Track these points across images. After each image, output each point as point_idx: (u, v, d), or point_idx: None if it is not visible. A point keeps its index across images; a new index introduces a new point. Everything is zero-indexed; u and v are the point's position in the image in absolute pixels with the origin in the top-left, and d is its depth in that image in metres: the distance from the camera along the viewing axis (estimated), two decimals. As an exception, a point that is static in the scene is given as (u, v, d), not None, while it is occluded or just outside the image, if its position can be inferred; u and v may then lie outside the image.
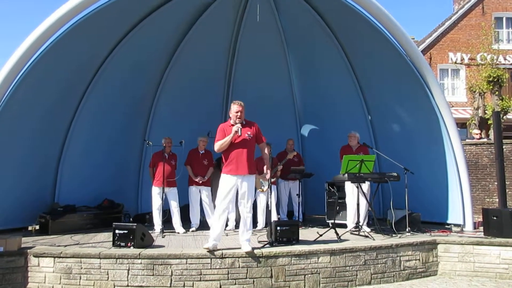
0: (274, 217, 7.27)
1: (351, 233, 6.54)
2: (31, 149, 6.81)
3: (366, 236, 6.16)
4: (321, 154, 9.05)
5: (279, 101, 9.40)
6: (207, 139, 7.47)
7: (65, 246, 5.46)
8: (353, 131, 7.40)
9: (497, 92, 15.30)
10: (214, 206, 5.57)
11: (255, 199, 7.52)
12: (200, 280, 4.96)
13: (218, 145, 5.28)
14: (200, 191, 7.30)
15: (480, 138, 13.36)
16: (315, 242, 5.80)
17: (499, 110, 14.29)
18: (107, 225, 6.88)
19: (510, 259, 5.78)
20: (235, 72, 9.20)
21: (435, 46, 19.29)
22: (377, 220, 6.77)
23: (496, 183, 7.55)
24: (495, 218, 6.17)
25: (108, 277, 4.94)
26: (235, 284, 5.01)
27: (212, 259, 5.01)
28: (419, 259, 5.84)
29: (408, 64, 7.10)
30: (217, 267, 5.01)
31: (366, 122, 8.66)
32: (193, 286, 4.95)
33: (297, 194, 8.02)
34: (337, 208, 7.30)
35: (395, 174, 6.58)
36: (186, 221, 7.36)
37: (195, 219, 7.38)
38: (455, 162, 6.98)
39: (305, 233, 6.50)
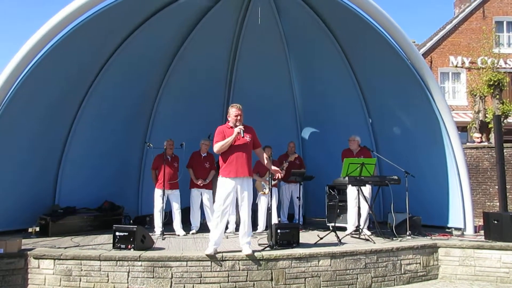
0: (274, 219, 7.28)
1: (352, 236, 6.53)
2: (32, 150, 6.81)
3: (367, 240, 6.15)
4: (322, 157, 9.04)
5: (279, 104, 9.40)
6: (210, 142, 7.48)
7: (65, 248, 5.46)
8: (353, 135, 7.41)
9: (497, 96, 15.30)
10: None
11: (256, 201, 7.54)
12: (200, 283, 4.95)
13: (218, 146, 5.25)
14: (201, 194, 7.30)
15: (481, 141, 13.34)
16: (315, 245, 5.79)
17: (500, 114, 14.28)
18: (108, 227, 6.88)
19: (511, 263, 5.76)
20: (236, 75, 9.21)
21: (436, 50, 19.32)
22: (378, 224, 6.75)
23: (496, 186, 7.54)
24: (495, 222, 6.16)
25: (108, 279, 4.93)
26: (235, 287, 4.99)
27: (213, 262, 5.00)
28: (419, 263, 5.83)
29: (409, 67, 7.10)
30: (217, 270, 5.00)
31: (367, 125, 8.65)
32: (193, 288, 4.93)
33: (297, 197, 8.02)
34: (338, 211, 7.29)
35: (395, 177, 6.58)
36: (186, 224, 7.36)
37: (195, 221, 7.38)
38: (455, 165, 6.98)
39: (305, 236, 6.49)
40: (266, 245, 5.57)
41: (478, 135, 13.91)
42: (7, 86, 5.86)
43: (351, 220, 7.01)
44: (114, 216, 7.75)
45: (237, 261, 5.06)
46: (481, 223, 6.91)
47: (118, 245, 5.32)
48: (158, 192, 6.98)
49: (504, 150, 7.53)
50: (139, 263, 4.95)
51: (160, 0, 7.21)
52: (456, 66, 19.04)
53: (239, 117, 5.37)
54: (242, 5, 8.14)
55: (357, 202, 6.63)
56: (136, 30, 7.40)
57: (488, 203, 10.89)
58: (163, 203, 6.87)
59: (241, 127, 5.30)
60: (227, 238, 6.52)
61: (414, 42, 20.84)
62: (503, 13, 19.65)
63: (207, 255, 5.00)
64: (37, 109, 6.65)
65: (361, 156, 6.99)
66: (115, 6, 6.42)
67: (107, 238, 6.31)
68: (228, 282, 4.99)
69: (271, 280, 5.08)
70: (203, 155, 7.44)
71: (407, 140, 7.87)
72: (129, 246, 5.26)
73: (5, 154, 6.34)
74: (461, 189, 6.96)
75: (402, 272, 5.67)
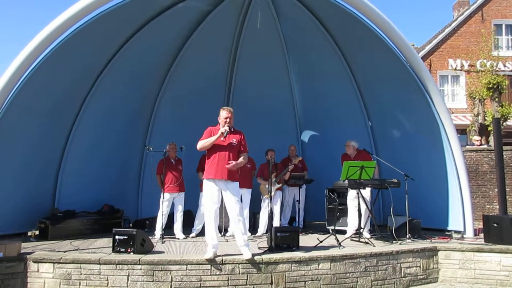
0: (276, 223, 7.29)
1: (352, 240, 6.53)
2: (32, 153, 6.81)
3: (367, 243, 6.15)
4: (322, 160, 9.05)
5: (279, 107, 9.41)
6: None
7: (65, 251, 5.45)
8: (349, 140, 7.40)
9: (497, 99, 15.32)
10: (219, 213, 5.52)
11: (261, 205, 7.55)
12: (200, 287, 4.95)
13: (201, 144, 5.29)
14: None
15: (480, 144, 13.36)
16: (315, 248, 5.78)
17: (499, 116, 14.30)
18: (107, 230, 6.87)
19: (511, 266, 5.76)
20: (236, 78, 9.22)
21: (435, 53, 19.37)
22: (378, 227, 6.75)
23: (496, 189, 7.54)
24: (495, 224, 6.16)
25: (107, 283, 4.92)
26: (235, 290, 4.98)
27: (212, 266, 5.00)
28: (419, 266, 5.82)
29: (408, 70, 7.12)
30: (217, 273, 4.99)
31: (366, 128, 8.67)
32: (193, 292, 4.93)
33: (297, 200, 8.02)
34: (338, 215, 7.29)
35: (395, 180, 6.58)
36: (186, 227, 7.36)
37: (198, 224, 7.36)
38: (455, 168, 6.99)
39: (305, 239, 6.48)
40: (266, 249, 5.56)
41: (478, 138, 13.93)
42: (7, 90, 5.87)
43: (351, 223, 7.01)
44: (113, 220, 7.73)
45: (237, 265, 5.05)
46: (481, 226, 6.92)
47: (118, 248, 5.31)
48: (165, 196, 6.96)
49: (504, 153, 7.54)
50: (139, 266, 4.94)
51: (160, 3, 7.22)
52: (455, 69, 19.08)
53: (228, 120, 5.40)
54: (241, 9, 8.16)
55: (357, 205, 6.63)
56: (135, 34, 7.41)
57: (488, 206, 10.90)
58: (168, 207, 6.90)
59: (227, 128, 5.31)
60: (227, 241, 6.51)
61: (413, 45, 20.91)
62: (502, 16, 19.73)
63: (206, 259, 5.00)
64: (37, 113, 6.65)
65: (358, 160, 6.99)
66: (115, 9, 6.44)
67: (106, 241, 6.29)
68: (228, 285, 4.98)
69: (271, 283, 5.07)
70: None
71: (407, 143, 7.88)
72: (128, 250, 5.26)
73: (5, 158, 6.34)
74: (460, 192, 6.96)
75: (402, 276, 5.67)
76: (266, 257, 5.17)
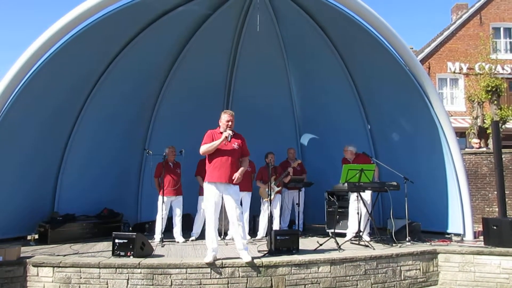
0: (276, 226, 7.29)
1: (351, 243, 6.53)
2: (31, 157, 6.81)
3: (366, 246, 6.15)
4: (321, 163, 9.06)
5: (278, 110, 9.43)
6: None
7: (64, 255, 5.45)
8: (346, 145, 7.42)
9: (495, 102, 15.34)
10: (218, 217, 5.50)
11: (261, 208, 7.55)
12: (200, 290, 4.94)
13: (204, 148, 5.27)
14: None
15: (480, 147, 13.36)
16: (315, 251, 5.79)
17: (498, 119, 14.32)
18: (107, 234, 6.88)
19: (511, 268, 5.75)
20: (235, 81, 9.24)
21: (434, 56, 19.41)
22: (377, 230, 6.75)
23: (495, 192, 7.55)
24: (495, 227, 6.16)
25: (107, 287, 4.91)
26: (235, 294, 4.98)
27: (212, 269, 5.00)
28: (419, 269, 5.82)
29: (407, 74, 7.14)
30: (217, 277, 4.99)
31: (366, 131, 8.68)
32: (192, 296, 4.92)
33: (297, 203, 8.02)
34: (337, 218, 7.29)
35: (394, 183, 6.59)
36: (186, 230, 7.35)
37: (198, 227, 7.36)
38: (454, 171, 7.00)
39: (305, 243, 6.49)
40: (265, 252, 5.56)
41: (477, 140, 13.93)
42: (6, 94, 5.88)
43: (351, 226, 7.01)
44: (113, 223, 7.73)
45: (237, 268, 5.05)
46: (480, 228, 6.92)
47: (118, 252, 5.31)
48: (162, 199, 6.96)
49: (503, 156, 7.55)
50: (139, 270, 4.94)
51: (159, 8, 7.24)
52: (454, 72, 19.12)
53: (229, 123, 5.41)
54: (240, 13, 8.19)
55: (357, 208, 6.64)
56: (135, 38, 7.43)
57: (487, 209, 10.89)
58: (166, 210, 6.87)
59: (230, 132, 5.32)
60: (227, 245, 6.51)
61: (412, 48, 20.94)
62: (500, 19, 19.79)
63: (206, 263, 4.99)
64: (37, 117, 6.65)
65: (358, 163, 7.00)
66: (115, 14, 6.46)
67: (106, 245, 6.29)
68: (227, 289, 4.97)
69: (271, 286, 5.07)
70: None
71: (406, 146, 7.89)
72: (128, 253, 5.25)
73: (5, 162, 6.34)
74: (460, 194, 6.97)
75: (402, 279, 5.67)
76: (266, 260, 5.17)
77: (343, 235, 7.06)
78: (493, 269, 5.80)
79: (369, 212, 6.80)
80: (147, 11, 7.16)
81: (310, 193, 8.78)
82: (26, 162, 6.74)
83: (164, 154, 7.09)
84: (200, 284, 4.95)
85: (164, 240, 6.64)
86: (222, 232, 7.01)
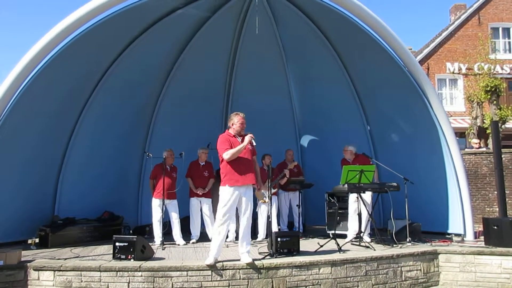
0: (274, 228, 7.27)
1: (352, 244, 6.53)
2: (31, 161, 6.82)
3: (367, 247, 6.15)
4: (321, 165, 9.06)
5: (278, 112, 9.44)
6: (208, 150, 7.52)
7: (65, 259, 5.44)
8: (346, 145, 7.43)
9: (495, 102, 15.37)
10: (215, 218, 5.49)
11: (256, 210, 7.55)
12: (201, 293, 4.94)
13: (230, 154, 5.15)
14: (201, 203, 7.30)
15: (479, 147, 13.37)
16: (316, 253, 5.79)
17: (497, 119, 14.33)
18: (107, 237, 6.88)
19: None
20: (234, 83, 9.26)
21: (433, 56, 19.44)
22: (378, 230, 6.75)
23: (496, 192, 7.55)
24: (495, 227, 6.16)
25: (108, 290, 4.91)
26: (236, 296, 4.97)
27: (213, 271, 4.99)
28: (420, 270, 5.82)
29: (406, 75, 7.15)
30: (218, 279, 4.98)
31: (365, 132, 8.69)
32: (193, 298, 4.92)
33: (297, 205, 8.02)
34: (338, 219, 7.29)
35: (395, 184, 6.59)
36: (186, 233, 7.35)
37: (195, 231, 7.37)
38: (454, 171, 7.00)
39: (305, 244, 6.48)
40: (266, 254, 5.56)
41: (476, 140, 13.94)
42: (6, 98, 5.89)
43: (351, 228, 7.01)
44: (113, 227, 7.72)
45: (238, 270, 5.05)
46: (481, 228, 6.92)
47: (118, 255, 5.31)
48: (156, 202, 6.96)
49: (503, 156, 7.56)
50: (139, 273, 4.94)
51: (158, 11, 7.27)
52: (453, 73, 19.15)
53: (244, 125, 5.40)
54: (239, 15, 8.21)
55: (357, 209, 6.64)
56: (134, 41, 7.45)
57: (488, 209, 10.88)
58: (161, 212, 6.84)
59: (252, 135, 5.31)
60: (227, 247, 6.51)
61: (411, 49, 20.99)
62: (499, 19, 19.83)
63: (207, 265, 4.99)
64: (37, 120, 6.66)
65: (356, 164, 7.01)
66: (114, 17, 6.48)
67: (107, 248, 6.29)
68: (228, 291, 4.97)
69: (272, 288, 5.07)
70: (202, 164, 7.46)
71: (406, 147, 7.90)
72: (129, 257, 5.25)
73: (5, 166, 6.34)
74: (460, 195, 6.97)
75: (403, 279, 5.66)
76: (266, 262, 5.17)
77: (343, 236, 7.05)
78: (494, 269, 5.80)
79: (370, 213, 6.80)
80: (147, 14, 7.18)
81: (310, 195, 8.78)
82: (26, 166, 6.74)
83: (164, 157, 7.08)
84: (201, 286, 4.94)
85: (164, 243, 6.64)
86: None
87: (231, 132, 5.41)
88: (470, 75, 18.37)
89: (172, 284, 4.92)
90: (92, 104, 7.57)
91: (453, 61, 19.26)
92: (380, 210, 8.46)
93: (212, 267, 4.98)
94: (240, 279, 5.02)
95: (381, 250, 5.90)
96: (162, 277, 4.93)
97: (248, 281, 5.03)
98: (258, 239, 7.35)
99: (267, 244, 5.93)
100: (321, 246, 6.08)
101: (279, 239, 5.59)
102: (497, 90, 15.30)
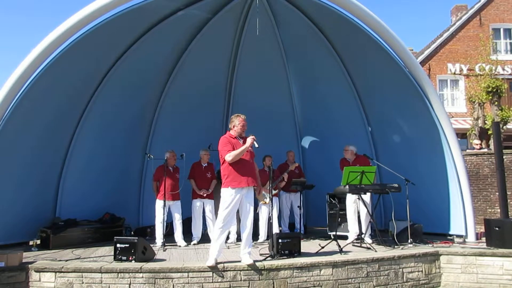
0: (275, 229, 7.27)
1: (353, 245, 6.52)
2: (33, 164, 6.83)
3: (368, 248, 6.14)
4: (322, 166, 9.06)
5: (279, 113, 9.44)
6: (210, 152, 7.52)
7: (66, 260, 5.45)
8: (347, 145, 7.43)
9: (496, 102, 15.34)
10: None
11: (257, 211, 7.54)
12: (202, 294, 4.93)
13: (233, 155, 5.14)
14: (203, 204, 7.30)
15: (481, 148, 13.34)
16: (317, 254, 5.78)
17: (499, 120, 14.31)
18: (108, 239, 6.87)
19: (513, 270, 5.74)
20: (235, 85, 9.26)
21: (434, 57, 19.42)
22: (379, 232, 6.74)
23: (497, 193, 7.53)
24: (497, 228, 6.16)
25: (109, 292, 4.91)
26: (237, 297, 4.97)
27: (214, 273, 4.99)
28: (422, 271, 5.81)
29: (407, 76, 7.15)
30: (219, 280, 4.98)
31: (366, 133, 8.69)
32: (195, 300, 4.92)
33: (298, 206, 8.00)
34: (339, 220, 7.28)
35: (396, 185, 6.58)
36: (187, 234, 7.35)
37: (197, 232, 7.36)
38: (456, 172, 6.99)
39: (307, 245, 6.48)
40: (267, 255, 5.56)
41: (478, 141, 13.91)
42: (6, 102, 5.91)
43: (351, 229, 7.01)
44: (115, 228, 7.73)
45: (239, 271, 5.04)
46: (482, 230, 6.90)
47: (119, 257, 5.31)
48: (159, 203, 6.95)
49: (504, 157, 7.54)
50: (140, 274, 4.94)
51: (159, 12, 7.28)
52: (454, 74, 19.12)
53: (245, 127, 5.43)
54: (240, 16, 8.21)
55: (356, 210, 6.64)
56: (135, 43, 7.46)
57: (489, 210, 10.86)
58: (164, 214, 6.85)
59: (254, 137, 5.30)
60: (228, 248, 6.51)
61: (412, 50, 20.98)
62: (500, 20, 19.80)
63: (208, 266, 4.99)
64: (38, 122, 6.68)
65: (357, 165, 7.01)
66: (115, 19, 6.49)
67: (108, 250, 6.29)
68: (229, 292, 4.97)
69: (273, 290, 5.06)
70: (204, 165, 7.46)
71: (407, 148, 7.89)
72: (130, 258, 5.26)
73: (6, 168, 6.36)
74: (461, 196, 6.97)
75: (404, 281, 5.65)
76: (267, 263, 5.17)
77: (344, 237, 7.05)
78: (495, 270, 5.79)
79: (370, 213, 6.79)
80: (148, 15, 7.19)
81: (311, 196, 8.78)
82: (28, 168, 6.75)
83: (165, 158, 7.09)
84: (202, 287, 4.95)
85: (165, 244, 6.64)
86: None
87: (233, 134, 5.41)
88: (472, 76, 18.35)
89: (173, 285, 4.92)
90: (93, 107, 7.58)
91: (454, 62, 19.23)
92: (381, 211, 8.46)
93: (213, 269, 4.99)
94: (241, 280, 5.02)
95: (382, 251, 5.89)
96: (163, 278, 4.93)
97: (249, 283, 5.03)
98: (259, 241, 7.34)
99: (268, 245, 5.93)
100: (322, 247, 6.07)
101: (280, 241, 5.58)
102: (499, 91, 15.26)
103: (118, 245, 5.36)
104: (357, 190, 6.44)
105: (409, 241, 6.43)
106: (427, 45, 20.94)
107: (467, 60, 18.65)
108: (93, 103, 7.58)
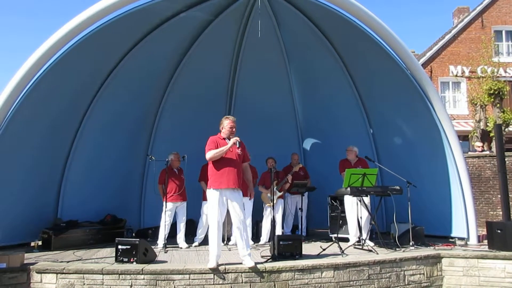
0: (279, 231, 7.28)
1: (355, 247, 6.51)
2: (34, 164, 6.84)
3: (370, 250, 6.13)
4: (324, 168, 9.04)
5: (281, 115, 9.44)
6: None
7: (68, 262, 5.45)
8: (351, 145, 7.43)
9: (498, 105, 15.34)
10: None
11: (263, 213, 7.55)
12: (203, 296, 4.93)
13: (212, 154, 5.24)
14: None
15: (483, 150, 13.33)
16: (318, 256, 5.77)
17: (501, 122, 14.30)
18: (110, 240, 6.88)
19: (516, 272, 5.72)
20: (237, 87, 9.26)
21: (436, 59, 19.40)
22: (381, 234, 6.73)
23: (499, 195, 7.52)
24: (499, 231, 6.13)
25: (110, 293, 4.91)
26: (238, 299, 4.97)
27: (215, 274, 4.99)
28: (423, 273, 5.79)
29: (409, 78, 7.14)
30: (220, 282, 4.98)
31: (368, 135, 8.68)
32: (196, 301, 4.91)
33: (300, 208, 8.00)
34: (340, 222, 7.27)
35: (397, 187, 6.57)
36: (189, 236, 7.35)
37: (201, 233, 7.35)
38: (457, 175, 6.98)
39: (308, 248, 6.46)
40: (268, 257, 5.55)
41: (480, 144, 13.91)
42: (8, 104, 5.92)
43: (352, 231, 6.99)
44: (116, 229, 7.73)
45: (240, 274, 5.04)
46: (484, 232, 6.89)
47: (121, 258, 5.31)
48: (168, 206, 6.90)
49: (506, 159, 7.54)
50: (142, 276, 4.94)
51: (162, 14, 7.29)
52: (456, 76, 19.11)
53: (233, 129, 5.44)
54: (242, 18, 8.22)
55: (355, 212, 6.63)
56: (137, 45, 7.47)
57: (491, 212, 10.83)
58: (170, 217, 6.86)
59: (237, 138, 5.34)
60: (230, 250, 6.50)
61: (414, 52, 20.98)
62: (502, 22, 19.78)
63: (209, 268, 4.99)
64: (40, 124, 6.68)
65: (358, 167, 7.00)
66: (117, 21, 6.50)
67: (109, 251, 6.30)
68: (231, 294, 4.96)
69: (274, 292, 5.05)
70: None
71: (409, 150, 7.88)
72: (131, 259, 5.25)
73: (8, 170, 6.36)
74: (463, 198, 6.95)
75: (406, 283, 5.64)
76: (269, 265, 5.16)
77: (346, 239, 7.04)
78: (497, 273, 5.77)
79: (371, 215, 6.77)
80: (149, 17, 7.20)
81: (313, 198, 8.76)
82: (30, 170, 6.76)
83: (167, 160, 7.07)
84: (203, 289, 4.94)
85: (167, 246, 6.64)
86: (226, 238, 7.00)
87: (222, 135, 5.47)
88: (473, 78, 18.32)
89: (174, 287, 4.91)
90: (94, 109, 7.59)
91: (456, 64, 19.21)
92: (383, 213, 8.44)
93: (214, 271, 4.98)
94: (242, 282, 5.01)
95: (384, 254, 5.88)
96: (164, 280, 4.93)
97: (250, 285, 5.02)
98: (260, 243, 7.34)
99: (269, 247, 5.92)
100: (324, 249, 6.06)
101: (281, 243, 5.58)
102: (501, 93, 15.27)
103: (119, 247, 5.36)
104: (359, 192, 6.43)
105: (410, 243, 6.41)
106: (429, 47, 20.94)
107: (469, 62, 18.64)
108: (95, 105, 7.58)
